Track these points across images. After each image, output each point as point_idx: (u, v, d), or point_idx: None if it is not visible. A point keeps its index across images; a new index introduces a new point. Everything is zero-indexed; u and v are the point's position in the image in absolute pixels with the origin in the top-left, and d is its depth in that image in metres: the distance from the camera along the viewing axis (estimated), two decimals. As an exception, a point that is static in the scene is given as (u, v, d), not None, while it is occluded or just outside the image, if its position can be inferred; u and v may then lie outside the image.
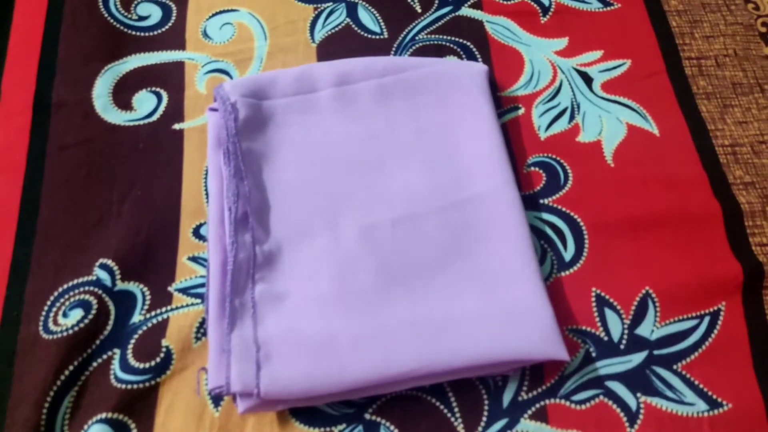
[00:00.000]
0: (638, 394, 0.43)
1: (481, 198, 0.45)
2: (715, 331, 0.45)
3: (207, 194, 0.48)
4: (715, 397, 0.43)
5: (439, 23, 0.56)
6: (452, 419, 0.42)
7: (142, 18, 0.55)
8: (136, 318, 0.44)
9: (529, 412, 0.42)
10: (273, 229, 0.44)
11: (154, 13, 0.55)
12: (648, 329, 0.45)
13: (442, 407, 0.42)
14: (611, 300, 0.46)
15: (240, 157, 0.44)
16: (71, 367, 0.42)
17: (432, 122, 0.48)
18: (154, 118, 0.51)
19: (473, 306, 0.41)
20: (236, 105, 0.45)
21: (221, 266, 0.42)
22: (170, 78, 0.53)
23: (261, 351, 0.39)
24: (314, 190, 0.45)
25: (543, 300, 0.42)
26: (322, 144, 0.47)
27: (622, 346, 0.44)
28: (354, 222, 0.44)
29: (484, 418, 0.42)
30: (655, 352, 0.44)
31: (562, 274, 0.47)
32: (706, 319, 0.46)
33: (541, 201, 0.49)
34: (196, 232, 0.47)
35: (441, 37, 0.55)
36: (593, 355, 0.44)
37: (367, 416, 0.42)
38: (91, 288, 0.44)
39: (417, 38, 0.55)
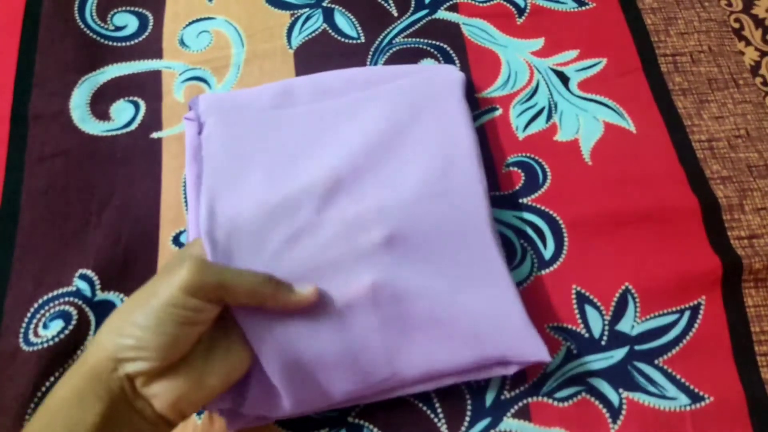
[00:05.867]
0: (620, 390, 0.43)
1: (449, 206, 0.44)
2: (696, 326, 0.45)
3: (186, 202, 0.48)
4: (696, 390, 0.43)
5: (416, 26, 0.56)
6: (435, 420, 0.42)
7: (118, 28, 0.55)
8: (117, 328, 0.44)
9: (512, 410, 0.42)
10: (242, 247, 0.42)
11: (131, 23, 0.55)
12: (628, 325, 0.45)
13: (425, 408, 0.42)
14: (591, 297, 0.46)
15: (212, 176, 0.43)
16: (52, 378, 0.41)
17: (407, 133, 0.47)
18: (132, 127, 0.51)
19: (447, 312, 0.41)
20: (210, 124, 0.45)
21: None
22: (148, 87, 0.52)
23: None
24: (286, 209, 0.43)
25: (516, 303, 0.41)
26: (295, 161, 0.45)
27: (603, 343, 0.45)
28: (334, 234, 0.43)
29: (467, 418, 0.42)
30: (636, 348, 0.45)
31: (543, 272, 0.47)
32: (687, 314, 0.46)
33: (521, 200, 0.49)
34: (176, 240, 0.47)
35: (418, 40, 0.56)
36: (575, 352, 0.44)
37: (350, 419, 0.42)
38: (71, 299, 0.44)
39: (394, 42, 0.55)
